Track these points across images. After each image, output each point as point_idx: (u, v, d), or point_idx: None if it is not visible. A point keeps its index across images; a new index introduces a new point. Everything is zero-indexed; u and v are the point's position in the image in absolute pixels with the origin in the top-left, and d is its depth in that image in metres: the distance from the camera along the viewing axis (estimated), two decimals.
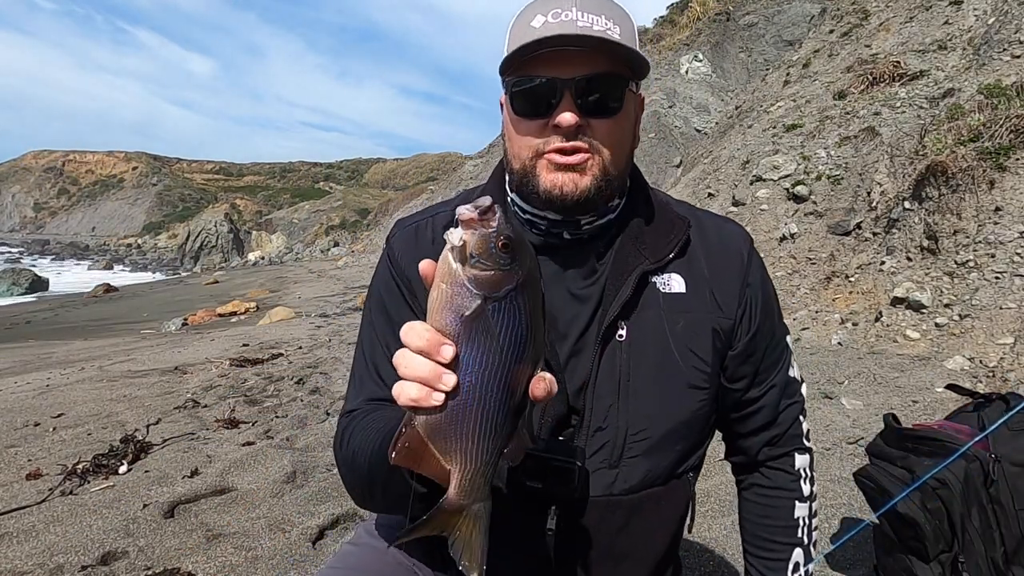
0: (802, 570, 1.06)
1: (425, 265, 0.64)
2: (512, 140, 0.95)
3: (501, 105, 0.98)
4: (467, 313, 0.61)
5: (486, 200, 0.61)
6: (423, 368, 0.62)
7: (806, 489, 1.09)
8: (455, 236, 0.61)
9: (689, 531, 1.13)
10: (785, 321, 1.12)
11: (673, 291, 0.97)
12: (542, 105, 0.89)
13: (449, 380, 0.62)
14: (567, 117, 0.87)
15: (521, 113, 0.91)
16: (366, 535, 1.12)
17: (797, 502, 1.08)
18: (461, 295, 0.61)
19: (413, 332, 0.62)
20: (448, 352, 0.61)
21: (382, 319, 1.01)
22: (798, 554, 1.07)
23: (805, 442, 1.11)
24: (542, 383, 0.65)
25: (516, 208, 1.00)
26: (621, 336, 0.94)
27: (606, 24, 0.87)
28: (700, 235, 1.02)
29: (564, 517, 0.95)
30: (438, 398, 0.62)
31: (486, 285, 0.61)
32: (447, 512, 0.68)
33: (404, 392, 0.62)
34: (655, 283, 0.97)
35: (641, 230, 0.99)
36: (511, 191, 1.01)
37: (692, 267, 0.99)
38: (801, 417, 1.11)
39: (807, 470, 1.10)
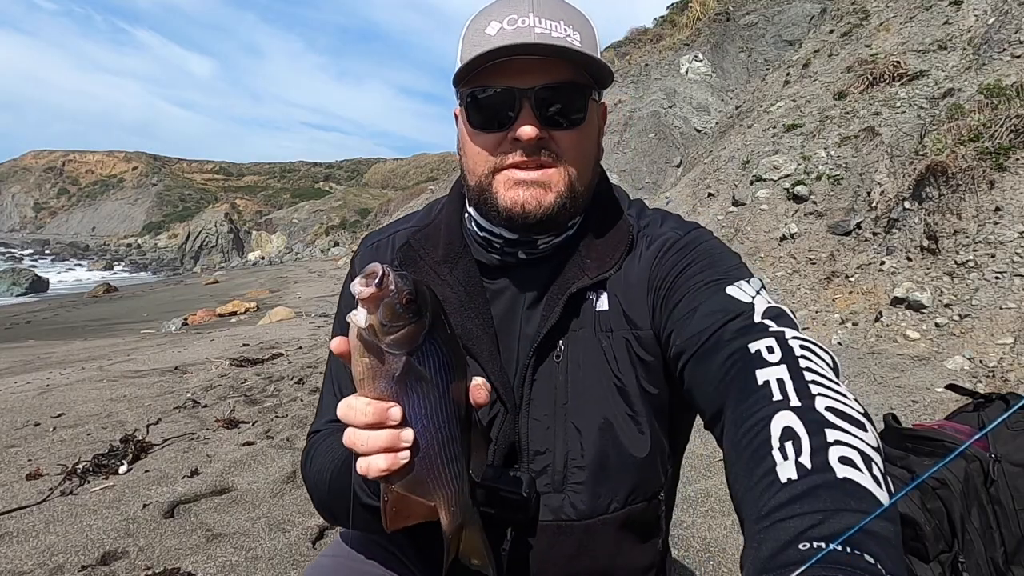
0: (802, 442, 0.55)
1: (338, 344, 0.64)
2: (468, 155, 0.90)
3: (456, 117, 0.92)
4: (397, 374, 0.63)
5: (376, 268, 0.61)
6: (380, 439, 0.63)
7: (778, 364, 0.65)
8: (360, 317, 0.61)
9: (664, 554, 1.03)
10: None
11: (599, 309, 0.92)
12: (500, 117, 0.84)
13: (408, 436, 0.64)
14: (527, 130, 0.82)
15: (477, 126, 0.86)
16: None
17: (758, 371, 0.65)
18: (386, 361, 0.63)
19: (354, 411, 0.63)
20: (396, 413, 0.63)
21: None
22: (785, 418, 0.57)
23: (772, 326, 0.73)
24: (481, 391, 0.69)
25: (474, 226, 0.96)
26: (558, 359, 0.91)
27: (565, 30, 0.82)
28: (634, 248, 0.95)
29: (517, 540, 0.93)
30: (404, 456, 0.64)
31: (405, 343, 0.62)
32: (452, 538, 0.73)
33: (373, 466, 0.64)
34: (591, 299, 0.92)
35: (591, 246, 0.94)
36: (469, 207, 0.96)
37: (614, 281, 0.93)
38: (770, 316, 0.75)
39: (776, 346, 0.67)
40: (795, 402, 0.59)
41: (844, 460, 0.53)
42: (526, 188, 0.85)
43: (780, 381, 0.62)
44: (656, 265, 0.91)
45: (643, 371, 0.91)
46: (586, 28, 0.85)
